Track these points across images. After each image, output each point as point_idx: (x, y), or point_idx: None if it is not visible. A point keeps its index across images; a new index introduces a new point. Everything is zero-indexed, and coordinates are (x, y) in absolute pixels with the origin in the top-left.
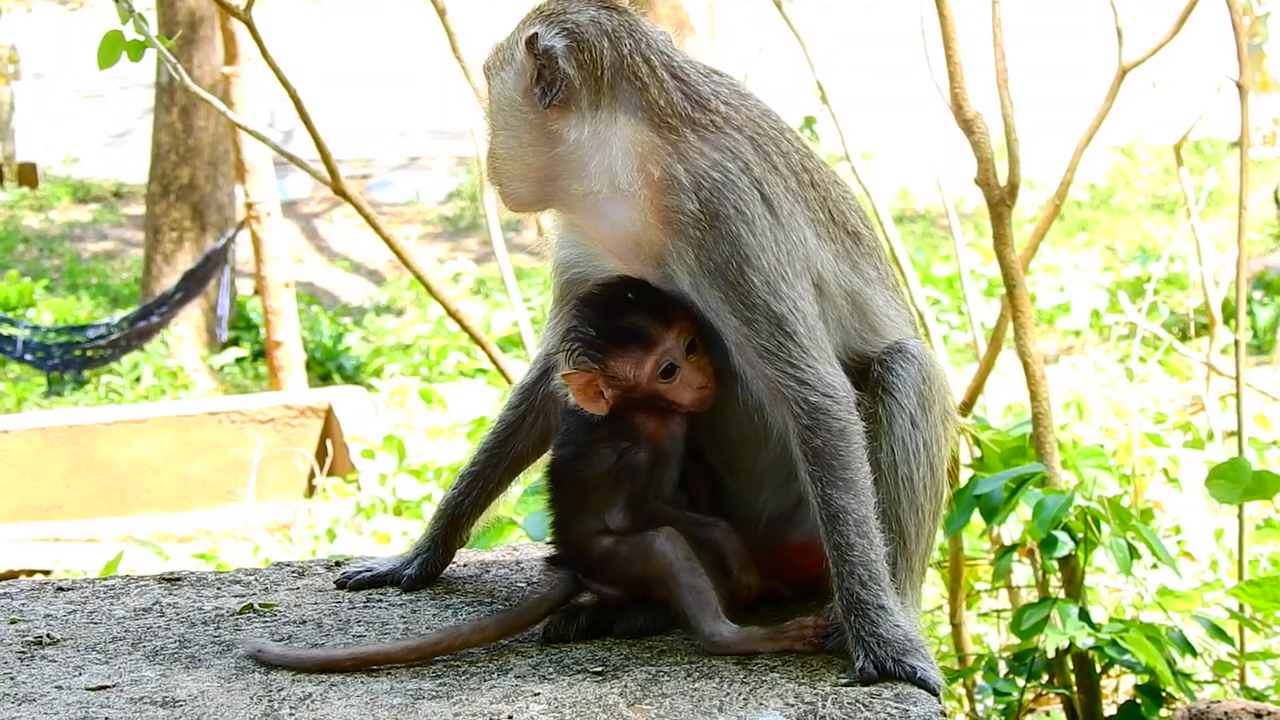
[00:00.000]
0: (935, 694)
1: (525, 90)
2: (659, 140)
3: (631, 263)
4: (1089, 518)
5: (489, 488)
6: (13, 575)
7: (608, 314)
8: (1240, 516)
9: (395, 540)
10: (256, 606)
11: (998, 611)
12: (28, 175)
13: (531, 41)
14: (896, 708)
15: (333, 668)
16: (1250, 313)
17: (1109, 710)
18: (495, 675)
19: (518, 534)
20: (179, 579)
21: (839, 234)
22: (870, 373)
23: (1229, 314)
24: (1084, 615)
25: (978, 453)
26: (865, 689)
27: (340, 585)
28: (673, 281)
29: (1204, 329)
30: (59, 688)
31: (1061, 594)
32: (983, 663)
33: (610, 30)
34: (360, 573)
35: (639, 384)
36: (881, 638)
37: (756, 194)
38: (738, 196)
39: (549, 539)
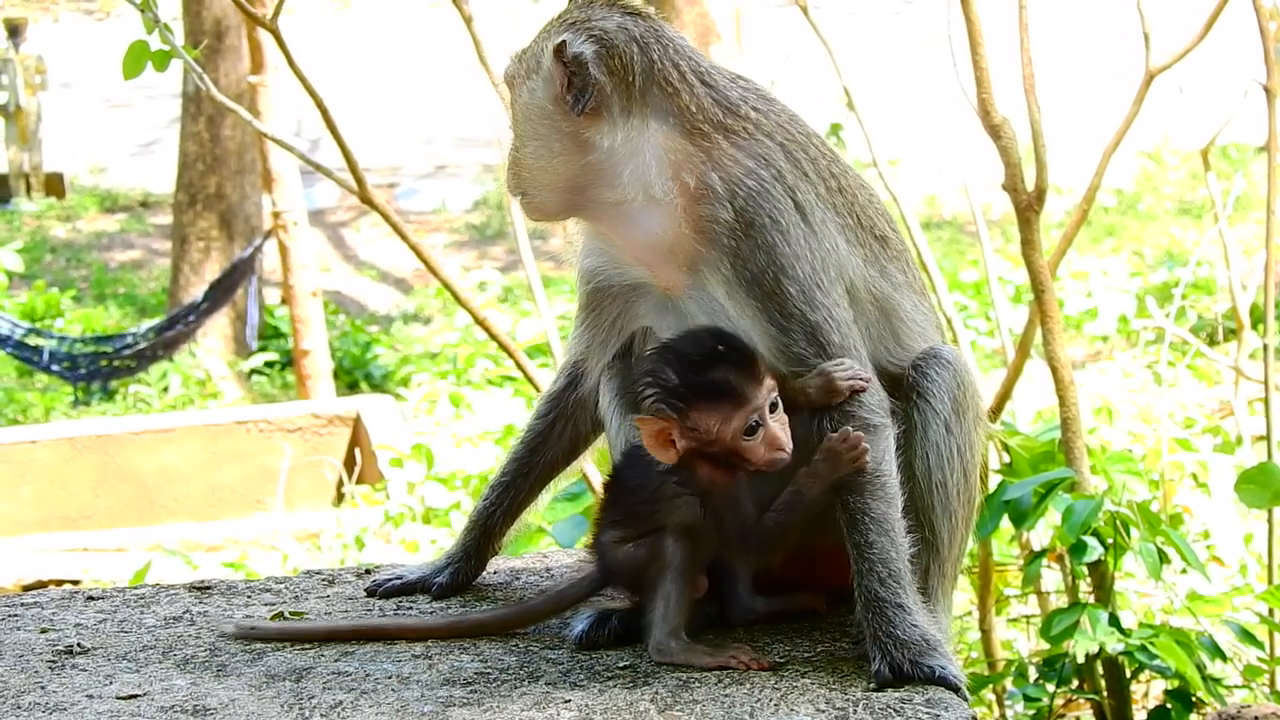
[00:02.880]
0: (956, 691)
1: (555, 98)
2: (692, 147)
3: (660, 271)
4: (1118, 523)
5: (520, 497)
6: (42, 585)
7: (696, 365)
8: (1270, 521)
9: (424, 548)
10: (287, 614)
11: (1027, 617)
12: (55, 185)
13: (560, 49)
14: (928, 713)
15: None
16: (1278, 317)
17: (1139, 715)
18: (526, 682)
19: (547, 541)
20: (209, 587)
21: (867, 238)
22: (905, 378)
23: (1257, 318)
24: (1114, 620)
25: (1007, 458)
26: (897, 694)
27: (370, 593)
28: (705, 289)
29: (1232, 334)
30: (90, 696)
31: (1091, 599)
32: (1013, 668)
33: (638, 36)
34: (390, 580)
35: (720, 440)
36: (898, 639)
37: (790, 202)
38: (772, 205)
39: (588, 541)
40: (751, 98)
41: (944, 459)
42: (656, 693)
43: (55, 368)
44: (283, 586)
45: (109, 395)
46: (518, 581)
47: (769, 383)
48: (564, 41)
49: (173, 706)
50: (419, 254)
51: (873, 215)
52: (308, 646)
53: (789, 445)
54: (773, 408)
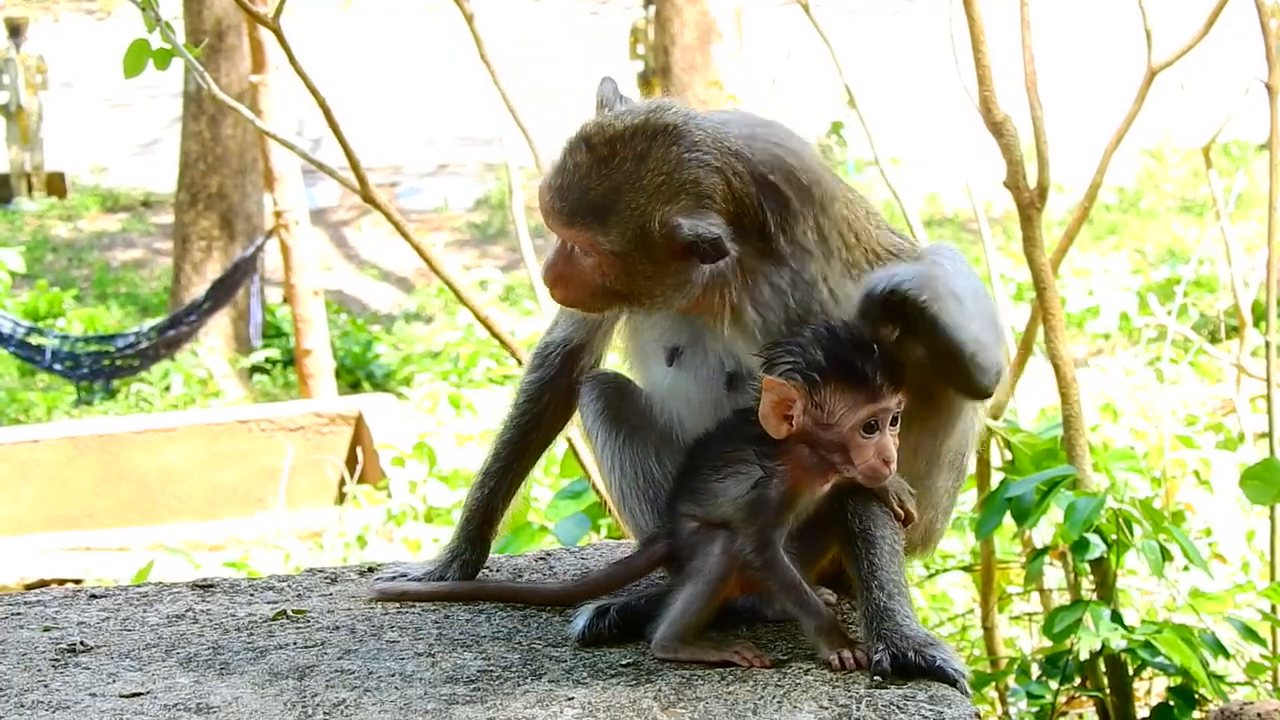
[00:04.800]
0: (955, 683)
1: (670, 256)
2: (759, 264)
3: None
4: (1121, 520)
5: (518, 480)
6: (44, 584)
7: (846, 347)
8: (1272, 518)
9: (426, 547)
10: (289, 613)
11: (1030, 614)
12: (56, 185)
13: (679, 233)
14: (931, 709)
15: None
16: None
17: (1142, 712)
18: (529, 680)
19: (549, 539)
20: (212, 586)
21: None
22: None
23: (1259, 316)
24: (1116, 617)
25: (1009, 455)
26: (900, 691)
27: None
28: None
29: (1234, 331)
30: (93, 695)
31: (1094, 596)
32: (1015, 666)
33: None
34: (395, 578)
35: (839, 427)
36: (903, 633)
37: (824, 288)
38: (812, 299)
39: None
40: (794, 193)
41: None
42: (660, 690)
43: (57, 367)
44: (285, 585)
45: (111, 394)
46: (520, 580)
47: (902, 395)
48: (684, 228)
49: (176, 705)
50: (421, 253)
51: (872, 245)
52: (312, 644)
53: (894, 463)
54: (894, 421)
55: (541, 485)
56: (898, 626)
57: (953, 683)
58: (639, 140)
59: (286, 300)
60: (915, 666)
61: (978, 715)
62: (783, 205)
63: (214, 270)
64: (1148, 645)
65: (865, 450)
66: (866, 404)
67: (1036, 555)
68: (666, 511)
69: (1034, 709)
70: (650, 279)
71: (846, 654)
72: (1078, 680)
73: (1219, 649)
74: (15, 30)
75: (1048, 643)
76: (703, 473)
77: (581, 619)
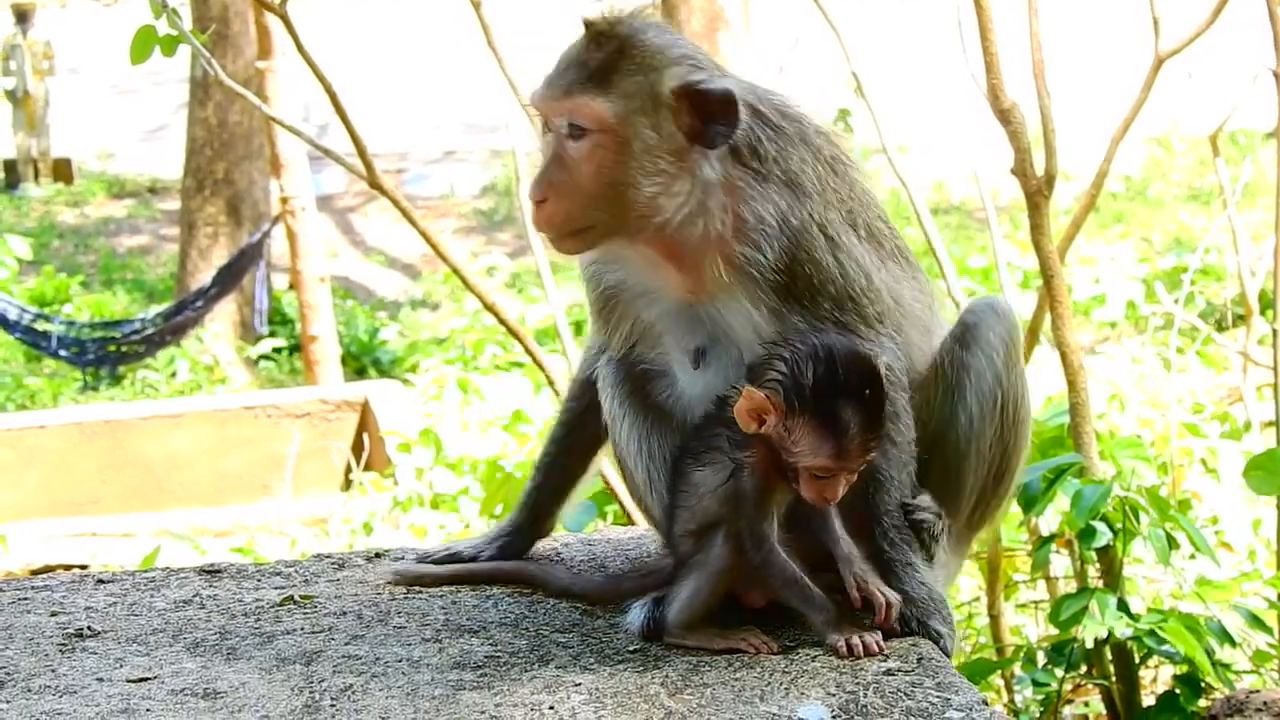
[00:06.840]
0: (947, 658)
1: (675, 131)
2: (753, 183)
3: (682, 281)
4: (1127, 508)
5: (565, 477)
6: (49, 570)
7: (838, 392)
8: (1278, 507)
9: (433, 534)
10: (296, 598)
11: (1036, 602)
12: (63, 171)
13: (693, 86)
14: (938, 696)
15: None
16: None
17: (1147, 700)
18: (536, 665)
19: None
20: (219, 571)
21: (874, 244)
22: (954, 329)
23: (1266, 304)
24: (1122, 606)
25: None
26: (907, 678)
27: (424, 560)
28: (731, 298)
29: (1241, 319)
30: (100, 680)
31: (1100, 584)
32: (1021, 653)
33: (726, 70)
34: (441, 552)
35: (795, 458)
36: (908, 595)
37: (821, 234)
38: (809, 240)
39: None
40: (789, 127)
41: (986, 411)
42: (667, 676)
43: (63, 353)
44: (293, 570)
45: (117, 380)
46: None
47: (871, 455)
48: (701, 80)
49: (183, 690)
50: (427, 239)
51: (870, 219)
52: (319, 630)
53: (836, 500)
54: (851, 470)
55: None
56: (902, 587)
57: (945, 657)
58: (634, 20)
59: (293, 287)
60: (915, 634)
61: (984, 702)
62: (775, 129)
63: (220, 256)
64: (1153, 633)
65: (810, 485)
66: (830, 458)
67: (1043, 543)
68: (666, 540)
69: (1040, 697)
70: (649, 162)
71: (855, 640)
72: (1083, 668)
73: (1225, 637)
74: (22, 16)
75: (1054, 630)
76: (686, 466)
77: (640, 614)
